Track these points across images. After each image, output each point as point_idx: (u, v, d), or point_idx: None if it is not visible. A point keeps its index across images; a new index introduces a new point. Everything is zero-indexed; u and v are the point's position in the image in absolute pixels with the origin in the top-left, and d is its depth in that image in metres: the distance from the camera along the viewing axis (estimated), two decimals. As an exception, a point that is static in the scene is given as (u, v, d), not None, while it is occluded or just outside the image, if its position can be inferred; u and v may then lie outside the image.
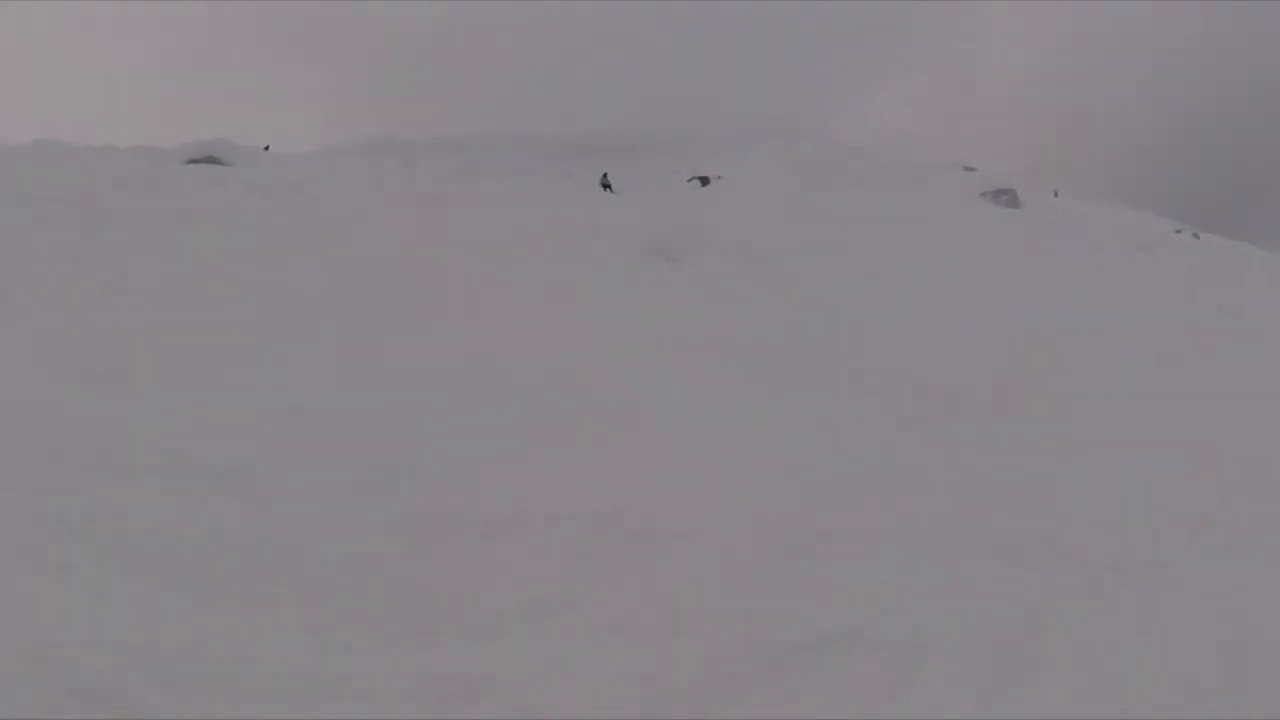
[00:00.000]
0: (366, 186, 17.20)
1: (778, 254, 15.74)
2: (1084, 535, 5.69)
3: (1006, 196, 30.50)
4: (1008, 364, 10.18)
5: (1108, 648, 4.42)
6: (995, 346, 11.15)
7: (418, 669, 3.76)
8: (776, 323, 11.02)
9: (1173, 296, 18.52)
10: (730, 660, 4.06)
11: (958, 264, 17.89)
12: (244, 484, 5.04)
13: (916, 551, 5.25)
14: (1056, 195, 34.04)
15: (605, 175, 26.16)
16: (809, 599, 4.61)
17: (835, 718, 3.77)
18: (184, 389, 6.26)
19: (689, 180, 31.06)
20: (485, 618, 4.27)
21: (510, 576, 4.64)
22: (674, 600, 4.54)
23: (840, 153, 36.76)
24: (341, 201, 14.84)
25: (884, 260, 17.02)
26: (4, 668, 3.02)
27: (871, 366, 9.24)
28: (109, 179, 12.74)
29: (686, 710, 3.74)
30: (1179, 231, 31.31)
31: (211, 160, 17.78)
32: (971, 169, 36.01)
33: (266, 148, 23.33)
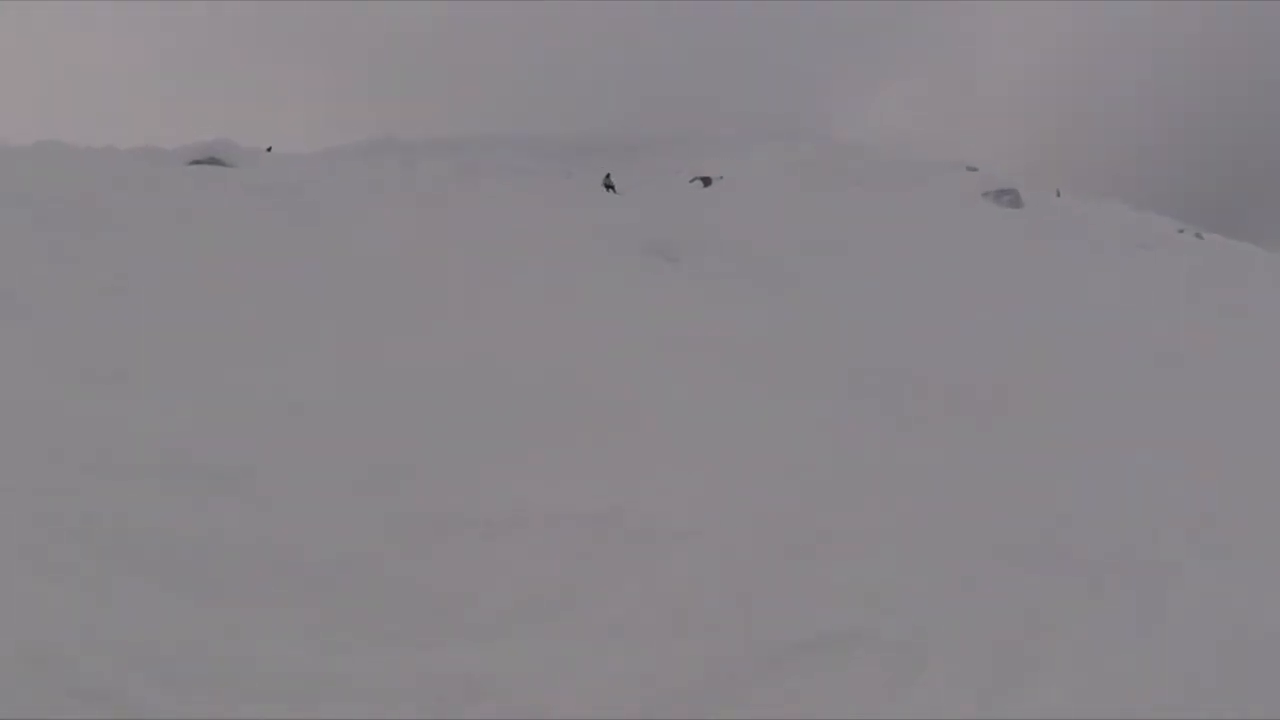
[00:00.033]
0: (367, 187, 17.20)
1: (778, 254, 15.74)
2: (1084, 535, 5.69)
3: (1009, 196, 30.47)
4: (1008, 364, 10.18)
5: (1108, 647, 4.42)
6: (995, 346, 11.14)
7: (418, 669, 3.76)
8: (777, 323, 11.02)
9: (1174, 296, 18.51)
10: (730, 660, 4.06)
11: (959, 264, 17.89)
12: (244, 484, 5.04)
13: (916, 551, 5.24)
14: (1059, 195, 33.99)
15: (608, 176, 26.14)
16: (809, 599, 4.61)
17: (835, 718, 3.77)
18: (184, 389, 6.26)
19: (691, 181, 31.06)
20: (485, 618, 4.27)
21: (510, 576, 4.64)
22: (674, 600, 4.54)
23: (840, 153, 36.74)
24: (342, 202, 14.84)
25: (884, 260, 17.02)
26: (4, 668, 3.02)
27: (871, 366, 9.24)
28: (109, 179, 12.74)
29: (686, 710, 3.74)
30: (1182, 231, 31.26)
31: (214, 161, 17.78)
32: (974, 169, 35.98)
33: (269, 149, 23.33)
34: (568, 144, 34.69)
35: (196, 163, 17.48)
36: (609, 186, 25.45)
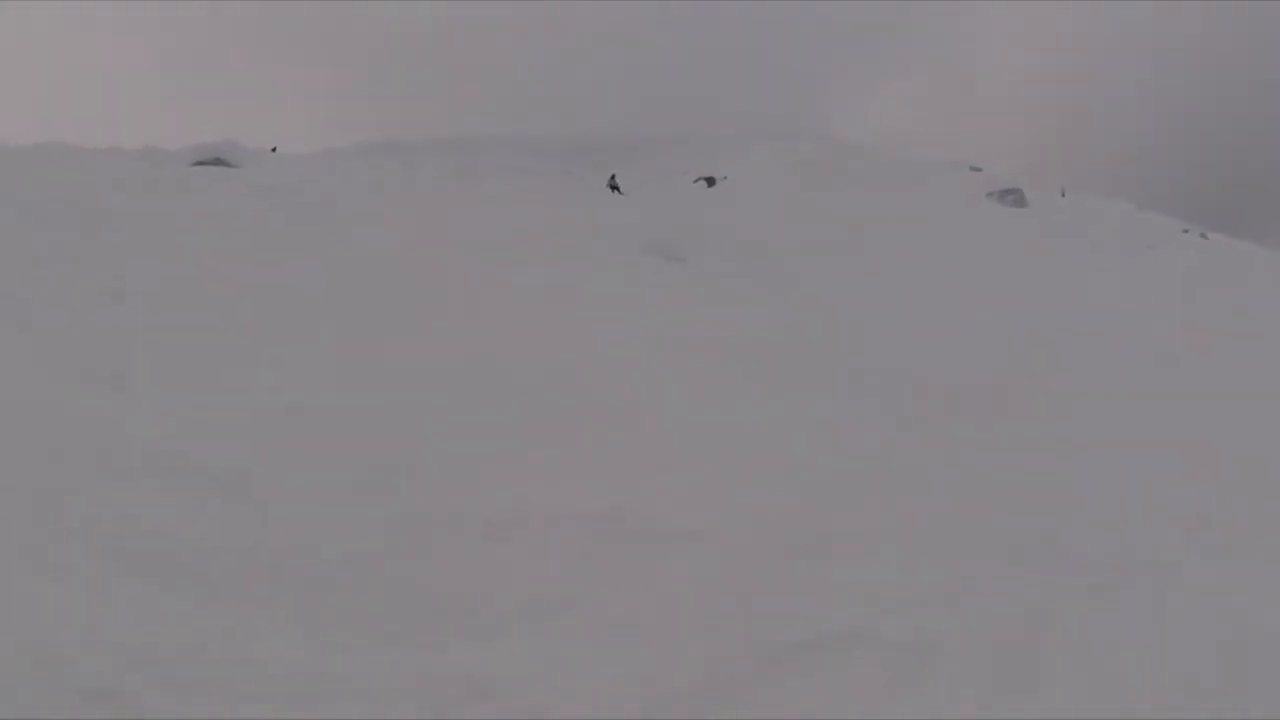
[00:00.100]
0: (367, 187, 17.20)
1: (778, 254, 15.74)
2: (1084, 535, 5.69)
3: (1013, 196, 30.39)
4: (1008, 364, 10.18)
5: (1108, 647, 4.42)
6: (996, 346, 11.14)
7: (418, 669, 3.76)
8: (777, 323, 11.02)
9: (1174, 296, 18.51)
10: (730, 660, 4.06)
11: (960, 264, 17.88)
12: (243, 485, 5.05)
13: (917, 551, 5.24)
14: (1064, 195, 33.88)
15: (613, 177, 26.10)
16: (809, 599, 4.61)
17: (835, 718, 3.77)
18: (183, 390, 6.27)
19: (695, 181, 31.02)
20: (485, 618, 4.28)
21: (510, 577, 4.64)
22: (674, 600, 4.54)
23: (840, 153, 36.69)
24: (342, 202, 14.84)
25: (885, 260, 17.01)
26: (4, 668, 3.01)
27: (872, 366, 9.24)
28: (109, 180, 12.74)
29: (686, 710, 3.74)
30: (1187, 231, 31.20)
31: (218, 162, 17.75)
32: (977, 169, 35.91)
33: (274, 149, 23.33)
34: (568, 144, 34.67)
35: (201, 163, 17.45)
36: (614, 187, 25.43)
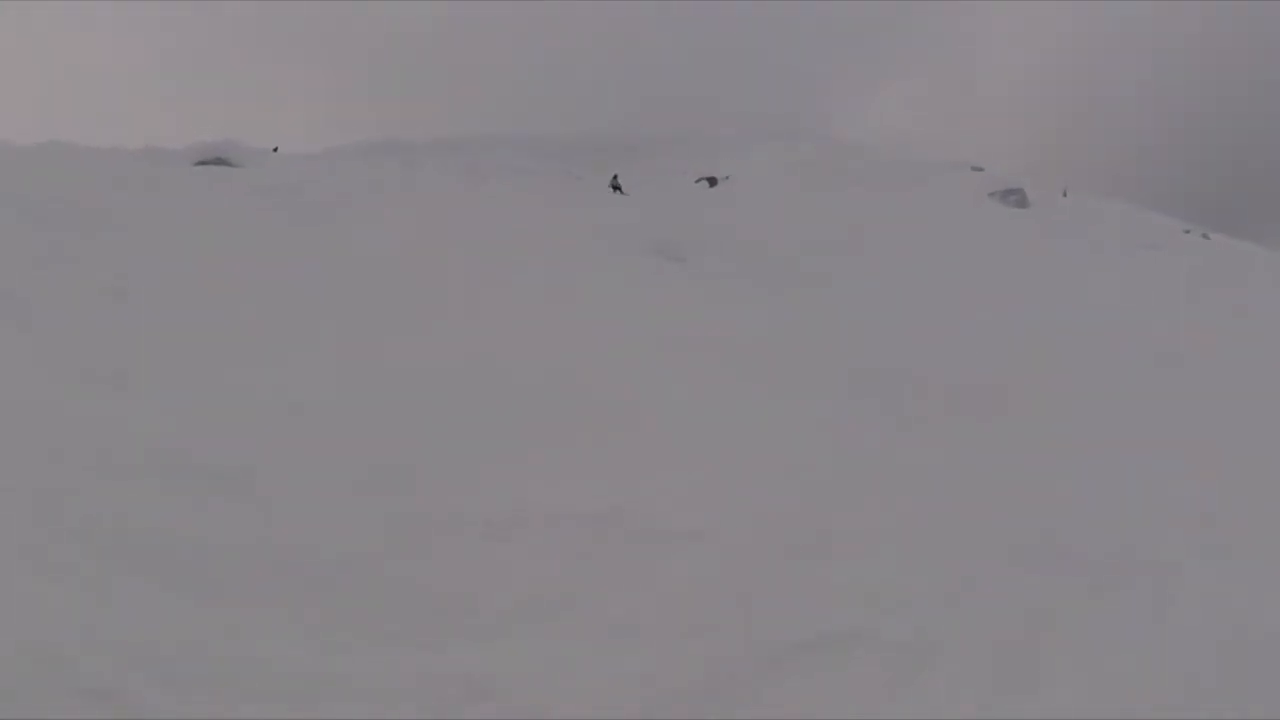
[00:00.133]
0: (367, 187, 17.20)
1: (778, 254, 15.74)
2: (1084, 535, 5.69)
3: (1015, 196, 30.40)
4: (1008, 364, 10.18)
5: (1108, 647, 4.42)
6: (996, 346, 11.14)
7: (418, 669, 3.76)
8: (777, 323, 11.02)
9: (1176, 296, 18.51)
10: (730, 660, 4.06)
11: (961, 263, 17.88)
12: (244, 484, 5.04)
13: (917, 551, 5.24)
14: (1065, 195, 33.87)
15: (616, 177, 26.11)
16: (809, 599, 4.61)
17: (835, 718, 3.77)
18: (184, 389, 6.26)
19: (697, 181, 31.03)
20: (485, 618, 4.28)
21: (510, 577, 4.64)
22: (674, 600, 4.54)
23: (841, 153, 36.72)
24: (342, 202, 14.85)
25: (885, 260, 17.01)
26: (4, 667, 3.01)
27: (872, 366, 9.24)
28: (110, 179, 12.75)
29: (686, 710, 3.74)
30: (1188, 232, 31.20)
31: (221, 162, 17.74)
32: (979, 169, 35.91)
33: (275, 149, 23.34)
34: (568, 144, 34.69)
35: (203, 163, 17.45)
36: (616, 188, 25.43)
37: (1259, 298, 19.60)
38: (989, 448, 7.48)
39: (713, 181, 31.02)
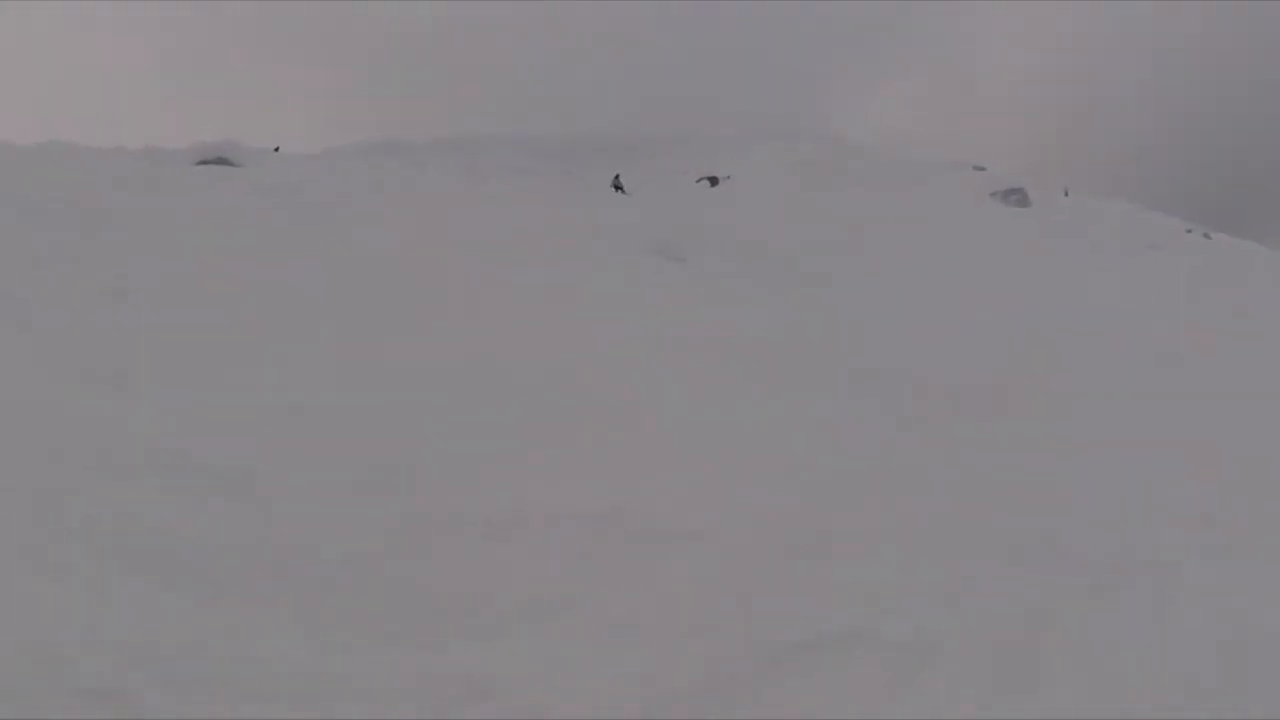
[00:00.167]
0: (367, 187, 17.19)
1: (779, 254, 15.73)
2: (1084, 535, 5.69)
3: (1016, 196, 30.34)
4: (1008, 364, 10.17)
5: (1108, 648, 4.42)
6: (996, 346, 11.14)
7: (418, 669, 3.76)
8: (777, 323, 11.01)
9: (1175, 296, 18.50)
10: (730, 660, 4.06)
11: (961, 263, 17.87)
12: (244, 484, 5.05)
13: (916, 551, 5.25)
14: (1067, 194, 33.82)
15: (618, 177, 26.08)
16: (809, 599, 4.61)
17: (835, 718, 3.77)
18: (184, 389, 6.26)
19: (698, 180, 31.00)
20: (485, 618, 4.28)
21: (510, 576, 4.64)
22: (674, 600, 4.54)
23: (841, 153, 36.68)
24: (343, 202, 14.84)
25: (885, 260, 17.00)
26: (4, 667, 3.02)
27: (872, 366, 9.23)
28: (110, 179, 12.74)
29: (686, 710, 3.74)
30: (1190, 231, 31.17)
31: (222, 161, 17.72)
32: (981, 168, 35.86)
33: (277, 148, 23.31)
34: (568, 144, 34.66)
35: (204, 162, 17.43)
36: (618, 187, 25.40)
37: (1259, 297, 19.59)
38: (989, 448, 7.48)
39: (714, 181, 30.98)
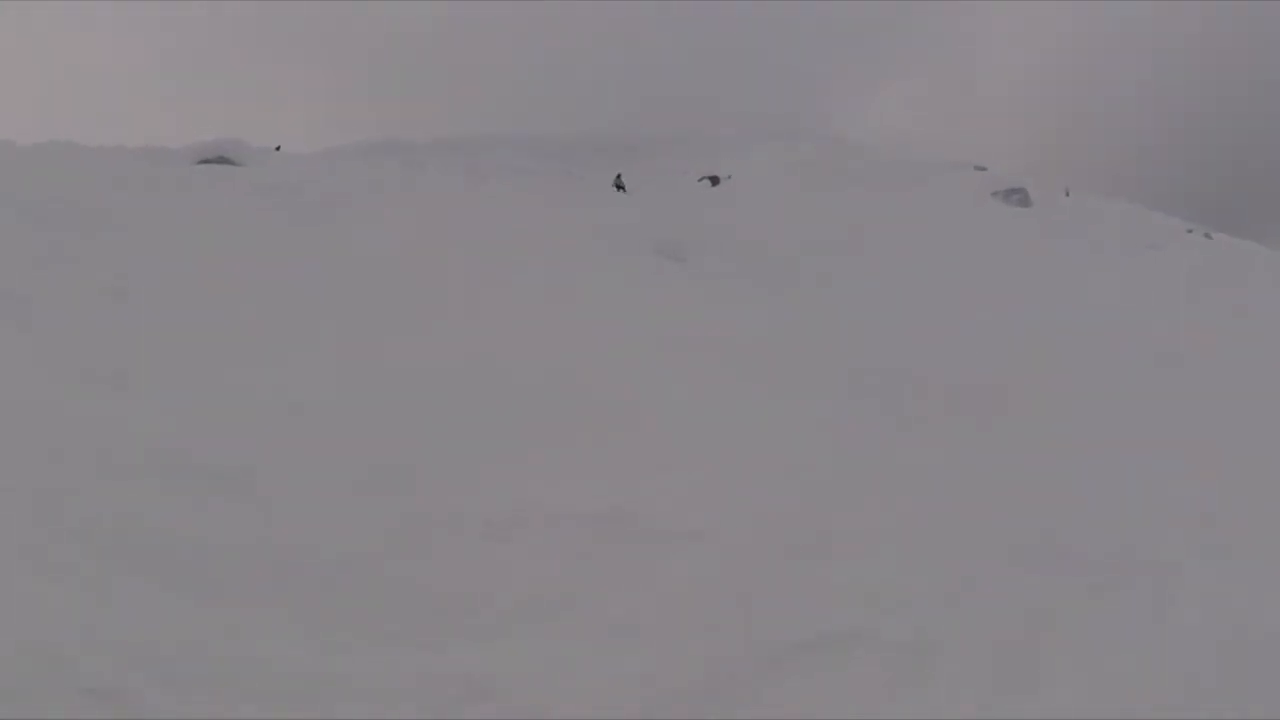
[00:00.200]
0: (367, 187, 17.19)
1: (779, 254, 15.72)
2: (1084, 535, 5.69)
3: (1017, 196, 30.28)
4: (1008, 364, 10.17)
5: (1108, 647, 4.42)
6: (996, 346, 11.14)
7: (418, 669, 3.76)
8: (777, 323, 11.01)
9: (1177, 296, 18.49)
10: (730, 660, 4.06)
11: (961, 263, 17.86)
12: (244, 484, 5.05)
13: (917, 551, 5.25)
14: (1068, 194, 33.78)
15: (619, 176, 26.06)
16: (809, 599, 4.61)
17: (835, 718, 3.77)
18: (184, 389, 6.27)
19: (699, 180, 30.99)
20: (485, 618, 4.28)
21: (510, 576, 4.64)
22: (674, 600, 4.54)
23: (841, 153, 36.65)
24: (343, 201, 14.84)
25: (885, 260, 16.99)
26: (5, 667, 3.02)
27: (872, 366, 9.23)
28: (110, 179, 12.74)
29: (686, 710, 3.74)
30: (1191, 231, 31.14)
31: (223, 160, 17.70)
32: (982, 168, 35.82)
33: (278, 148, 23.30)
34: (568, 144, 34.65)
35: (206, 161, 17.42)
36: (619, 187, 25.38)
37: (1259, 297, 19.58)
38: (989, 448, 7.48)
39: (714, 181, 30.96)
